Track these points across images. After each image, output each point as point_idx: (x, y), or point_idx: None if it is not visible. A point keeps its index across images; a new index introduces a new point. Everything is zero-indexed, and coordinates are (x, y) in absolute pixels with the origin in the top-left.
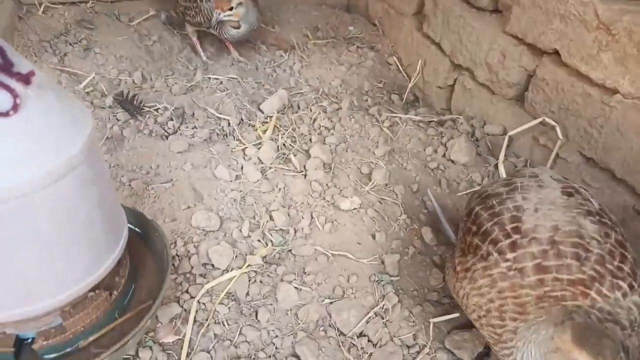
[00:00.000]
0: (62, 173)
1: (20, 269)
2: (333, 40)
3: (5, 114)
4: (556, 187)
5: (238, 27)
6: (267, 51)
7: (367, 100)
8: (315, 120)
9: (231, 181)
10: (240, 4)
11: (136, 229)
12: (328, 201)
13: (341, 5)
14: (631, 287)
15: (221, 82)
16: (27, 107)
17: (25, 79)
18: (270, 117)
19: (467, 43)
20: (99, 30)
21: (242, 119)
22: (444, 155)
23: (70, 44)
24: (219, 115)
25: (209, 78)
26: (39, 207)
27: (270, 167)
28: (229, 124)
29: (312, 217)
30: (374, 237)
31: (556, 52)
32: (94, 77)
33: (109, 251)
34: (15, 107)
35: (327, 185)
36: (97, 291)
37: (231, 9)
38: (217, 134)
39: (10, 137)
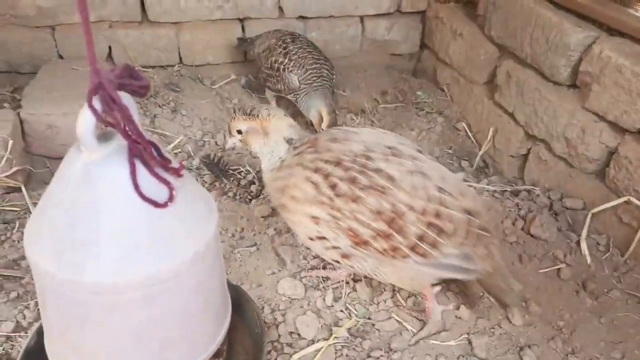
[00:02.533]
0: (204, 252)
1: (160, 344)
2: (402, 104)
3: (164, 205)
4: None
5: None
6: (338, 114)
7: None
8: None
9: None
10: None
11: None
12: None
13: (408, 70)
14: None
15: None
16: (178, 196)
17: (177, 172)
18: None
19: (543, 116)
20: (184, 92)
21: None
22: (522, 229)
23: (160, 106)
24: None
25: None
26: (185, 284)
27: None
28: None
29: (394, 291)
30: (459, 316)
31: None
32: (181, 139)
33: (225, 317)
34: (171, 198)
35: None
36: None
37: None
38: None
39: (167, 224)
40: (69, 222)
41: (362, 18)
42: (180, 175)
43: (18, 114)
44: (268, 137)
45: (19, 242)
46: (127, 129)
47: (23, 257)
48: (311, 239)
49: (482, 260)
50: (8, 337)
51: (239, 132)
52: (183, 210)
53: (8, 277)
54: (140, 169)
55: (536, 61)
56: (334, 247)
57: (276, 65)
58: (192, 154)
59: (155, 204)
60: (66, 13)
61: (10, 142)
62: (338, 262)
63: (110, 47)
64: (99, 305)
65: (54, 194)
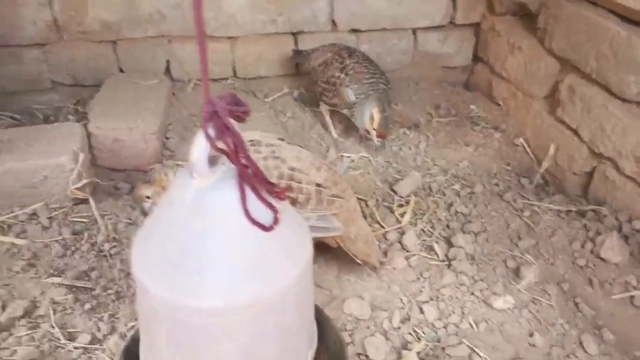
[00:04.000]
0: (305, 271)
1: None
2: (455, 118)
3: (270, 228)
4: None
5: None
6: (392, 128)
7: (497, 184)
8: (451, 205)
9: (376, 267)
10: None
11: None
12: (478, 297)
13: (461, 83)
14: None
15: (353, 160)
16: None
17: (279, 195)
18: (407, 199)
19: (611, 134)
20: None
21: (377, 200)
22: (591, 252)
23: None
24: (357, 196)
25: (342, 156)
26: (288, 304)
27: (413, 255)
28: (367, 205)
29: (463, 314)
30: (533, 343)
31: None
32: None
33: (314, 335)
34: (276, 221)
35: (473, 278)
36: None
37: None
38: None
39: (273, 247)
40: (182, 247)
41: (414, 31)
42: (283, 199)
43: (85, 127)
44: None
45: (88, 252)
46: (238, 154)
47: (93, 269)
48: None
49: (342, 221)
50: (85, 349)
51: (148, 197)
52: (284, 232)
53: (80, 289)
54: (248, 193)
55: (602, 76)
56: None
57: (332, 79)
58: None
59: (263, 227)
60: (128, 28)
61: (81, 155)
62: None
63: (168, 62)
64: (211, 328)
65: (166, 218)
